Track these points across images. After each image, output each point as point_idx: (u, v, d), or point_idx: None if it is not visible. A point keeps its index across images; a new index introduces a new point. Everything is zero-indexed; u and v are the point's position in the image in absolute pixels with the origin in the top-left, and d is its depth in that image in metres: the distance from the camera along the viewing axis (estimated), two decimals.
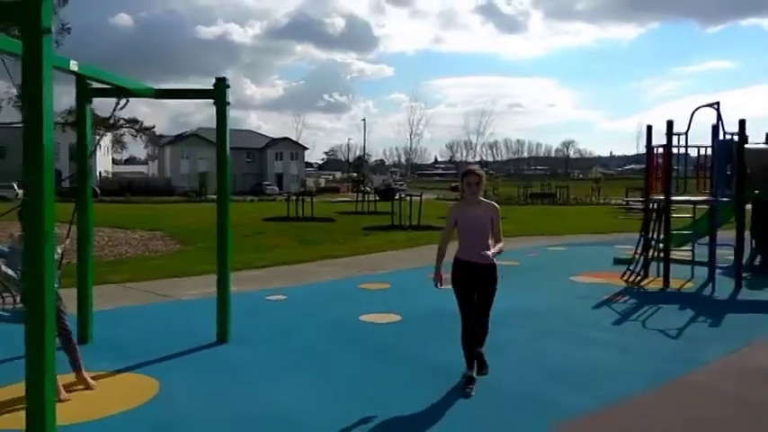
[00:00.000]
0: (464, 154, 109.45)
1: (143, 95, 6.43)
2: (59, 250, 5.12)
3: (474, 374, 5.04)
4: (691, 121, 10.54)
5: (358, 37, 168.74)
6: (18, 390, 4.80)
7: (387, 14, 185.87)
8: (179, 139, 75.28)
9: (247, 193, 60.06)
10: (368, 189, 42.06)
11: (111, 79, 5.94)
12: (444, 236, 5.24)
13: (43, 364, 3.33)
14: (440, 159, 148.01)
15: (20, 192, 49.60)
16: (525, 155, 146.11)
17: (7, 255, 5.04)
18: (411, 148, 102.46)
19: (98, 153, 70.81)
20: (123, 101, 6.07)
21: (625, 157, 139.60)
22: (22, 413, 4.25)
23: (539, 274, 11.38)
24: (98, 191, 54.98)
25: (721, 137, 10.43)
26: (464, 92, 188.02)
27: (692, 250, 11.41)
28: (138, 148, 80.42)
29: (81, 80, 6.01)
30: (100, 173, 69.80)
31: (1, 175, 55.14)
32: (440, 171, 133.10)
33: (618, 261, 12.50)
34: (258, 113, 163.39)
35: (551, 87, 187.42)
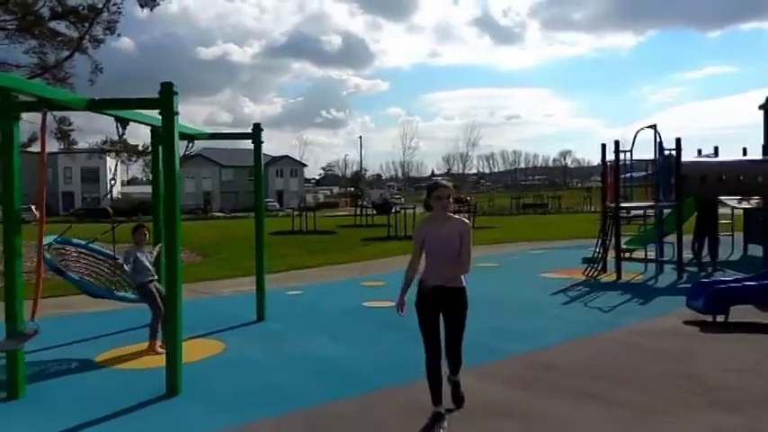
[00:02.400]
0: (460, 166, 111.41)
1: (199, 138, 8.57)
2: (155, 253, 7.22)
3: (442, 410, 4.64)
4: (634, 141, 12.79)
5: (354, 53, 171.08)
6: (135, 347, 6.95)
7: (383, 30, 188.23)
8: (184, 159, 77.24)
9: (250, 210, 61.93)
10: (365, 203, 44.07)
11: (180, 129, 8.04)
12: (413, 258, 4.77)
13: (176, 327, 5.42)
14: (437, 172, 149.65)
15: (37, 213, 51.59)
16: (522, 165, 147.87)
17: (124, 259, 7.14)
18: (405, 161, 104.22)
19: (108, 176, 73.10)
20: (189, 144, 8.17)
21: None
22: (149, 359, 6.42)
23: (513, 272, 13.48)
24: (111, 211, 57.00)
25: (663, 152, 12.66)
26: (461, 104, 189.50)
27: (645, 249, 13.66)
28: (138, 169, 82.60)
29: (156, 130, 8.12)
30: (110, 195, 71.87)
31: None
32: None
33: (585, 260, 14.58)
34: None
35: (549, 97, 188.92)
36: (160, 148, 8.30)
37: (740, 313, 8.11)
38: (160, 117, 5.74)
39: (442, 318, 4.67)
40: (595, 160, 15.17)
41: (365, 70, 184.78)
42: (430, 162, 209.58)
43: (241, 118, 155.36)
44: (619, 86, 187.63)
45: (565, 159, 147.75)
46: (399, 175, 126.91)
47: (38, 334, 5.31)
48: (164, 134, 5.46)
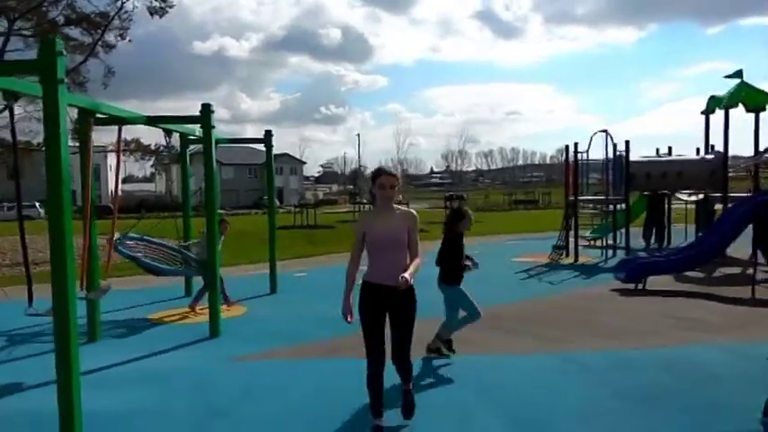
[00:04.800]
0: (459, 163, 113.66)
1: (220, 143, 10.51)
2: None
3: (383, 424, 4.30)
4: (590, 143, 14.77)
5: (353, 47, 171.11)
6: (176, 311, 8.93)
7: (382, 23, 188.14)
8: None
9: (250, 207, 63.87)
10: (364, 201, 46.01)
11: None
12: (353, 254, 4.35)
13: (216, 292, 7.43)
14: (436, 169, 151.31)
15: (42, 211, 53.69)
16: (520, 162, 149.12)
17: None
18: (399, 158, 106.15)
19: (108, 173, 75.12)
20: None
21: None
22: (189, 317, 8.40)
23: (489, 257, 15.28)
24: (114, 208, 58.86)
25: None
26: (461, 100, 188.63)
27: (603, 239, 15.69)
28: (134, 166, 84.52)
29: (184, 137, 10.07)
30: (112, 191, 73.85)
31: (23, 195, 59.11)
32: (435, 181, 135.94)
33: (554, 247, 16.60)
34: (255, 127, 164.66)
35: (550, 93, 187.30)
36: (187, 151, 10.39)
37: (663, 281, 10.23)
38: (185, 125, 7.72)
39: (388, 320, 4.30)
40: (594, 157, 16.35)
41: (364, 65, 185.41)
42: (430, 159, 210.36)
43: (238, 114, 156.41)
44: (620, 82, 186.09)
45: (562, 156, 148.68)
46: (399, 172, 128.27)
47: (110, 289, 7.27)
48: (203, 143, 7.47)
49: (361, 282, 4.35)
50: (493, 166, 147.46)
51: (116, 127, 7.59)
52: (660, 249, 15.74)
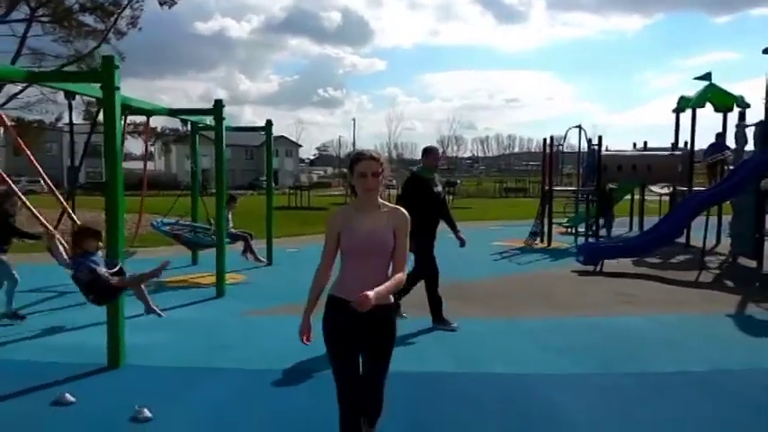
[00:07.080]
0: (455, 149, 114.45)
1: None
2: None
3: None
4: (565, 137, 16.04)
5: (353, 30, 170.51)
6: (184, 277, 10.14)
7: (384, 7, 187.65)
8: (184, 137, 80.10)
9: (246, 188, 64.86)
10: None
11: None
12: (323, 260, 3.53)
13: (222, 261, 8.64)
14: None
15: (45, 187, 54.76)
16: (516, 150, 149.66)
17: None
18: (394, 143, 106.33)
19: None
20: None
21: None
22: (196, 282, 9.62)
23: (470, 241, 16.57)
24: None
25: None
26: (460, 86, 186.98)
27: (576, 226, 16.96)
28: (133, 144, 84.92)
29: (195, 124, 11.21)
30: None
31: (27, 171, 60.35)
32: None
33: (531, 233, 17.86)
34: (253, 108, 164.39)
35: (550, 81, 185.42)
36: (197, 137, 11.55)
37: (624, 265, 11.62)
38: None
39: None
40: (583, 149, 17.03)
41: (363, 48, 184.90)
42: (426, 144, 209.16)
43: (237, 95, 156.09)
44: (622, 71, 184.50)
45: (559, 144, 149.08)
46: (394, 156, 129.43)
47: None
48: (215, 132, 8.67)
49: (326, 296, 3.49)
50: (489, 153, 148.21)
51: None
52: (609, 236, 17.05)
